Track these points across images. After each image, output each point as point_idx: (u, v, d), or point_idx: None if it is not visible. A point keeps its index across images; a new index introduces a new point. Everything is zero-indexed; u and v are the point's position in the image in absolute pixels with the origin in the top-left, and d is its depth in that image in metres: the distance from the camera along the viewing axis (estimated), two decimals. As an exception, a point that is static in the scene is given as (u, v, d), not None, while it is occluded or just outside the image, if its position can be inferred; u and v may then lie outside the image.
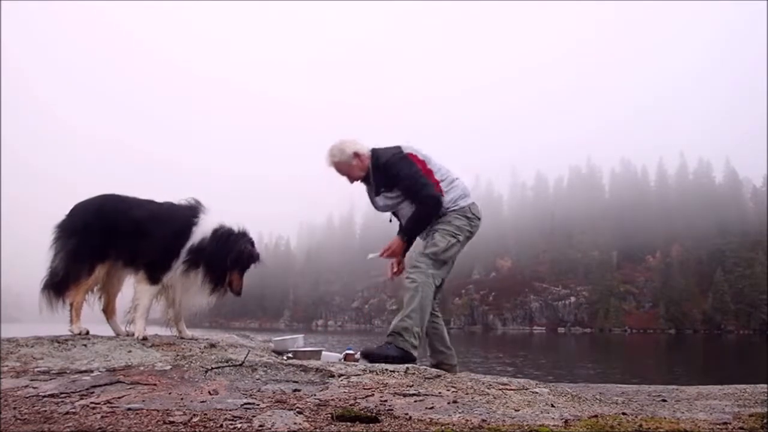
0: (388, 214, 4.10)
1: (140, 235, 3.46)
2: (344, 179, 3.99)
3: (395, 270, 4.01)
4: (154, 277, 3.45)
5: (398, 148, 3.91)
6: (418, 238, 3.96)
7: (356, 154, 3.87)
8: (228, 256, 3.34)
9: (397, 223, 4.09)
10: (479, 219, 3.93)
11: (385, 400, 2.46)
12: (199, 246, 3.37)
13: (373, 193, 3.96)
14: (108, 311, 3.71)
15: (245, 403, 2.31)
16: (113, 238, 3.47)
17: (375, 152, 3.92)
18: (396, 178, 3.78)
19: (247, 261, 3.42)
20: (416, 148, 3.96)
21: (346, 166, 3.91)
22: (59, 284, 3.44)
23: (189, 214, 3.48)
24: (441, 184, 3.82)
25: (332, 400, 2.44)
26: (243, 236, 3.42)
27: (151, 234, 3.45)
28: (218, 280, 3.41)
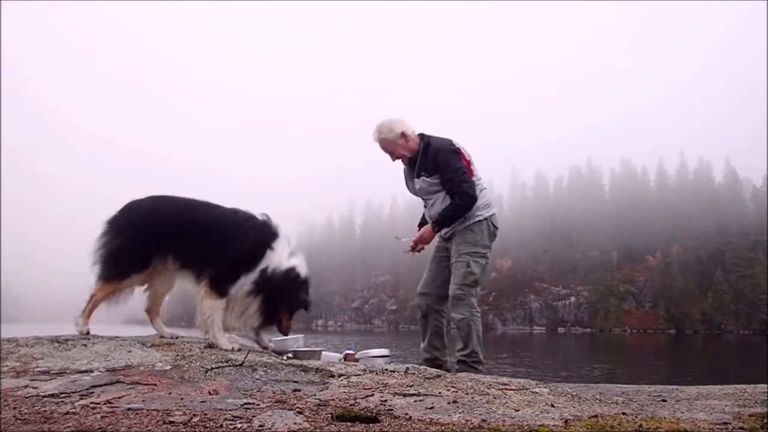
0: (416, 205, 4.35)
1: (207, 238, 3.38)
2: (387, 156, 4.17)
3: (416, 248, 4.18)
4: (222, 291, 3.37)
5: (451, 141, 4.09)
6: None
7: (403, 134, 4.07)
8: (288, 299, 3.44)
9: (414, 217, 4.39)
10: (497, 228, 4.18)
11: (385, 400, 2.46)
12: (270, 275, 3.35)
13: (413, 175, 4.14)
14: (152, 312, 3.68)
15: (245, 403, 2.31)
16: (169, 240, 3.39)
17: (427, 137, 4.12)
18: (443, 166, 3.95)
19: (301, 307, 3.56)
20: (464, 147, 4.13)
21: (392, 144, 4.08)
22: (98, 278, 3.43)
23: (265, 231, 3.45)
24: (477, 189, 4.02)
25: (332, 400, 2.44)
26: (305, 283, 3.49)
27: (222, 241, 3.38)
28: (271, 318, 3.47)
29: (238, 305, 3.46)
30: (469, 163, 4.04)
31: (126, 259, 3.40)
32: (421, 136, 4.12)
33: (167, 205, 3.50)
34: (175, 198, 3.55)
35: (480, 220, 4.03)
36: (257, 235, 3.42)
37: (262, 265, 3.35)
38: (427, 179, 4.03)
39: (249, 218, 3.48)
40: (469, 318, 3.96)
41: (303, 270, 3.45)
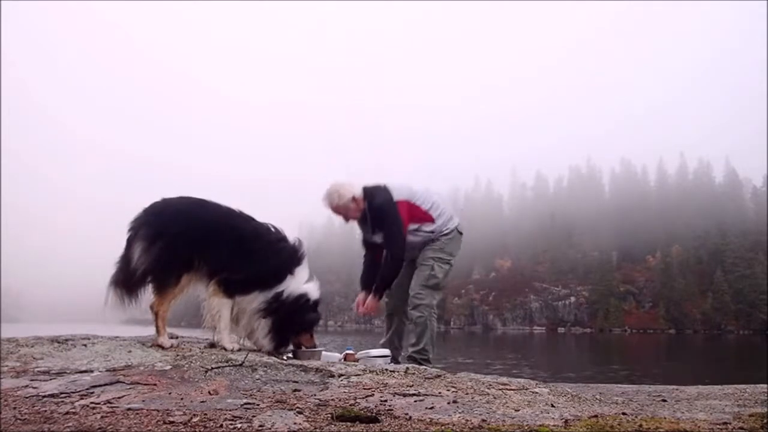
0: None
1: (239, 250, 3.38)
2: (341, 218, 4.44)
3: (362, 310, 4.44)
4: (230, 291, 3.40)
5: (388, 191, 4.28)
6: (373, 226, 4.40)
7: (354, 199, 4.28)
8: (300, 323, 3.56)
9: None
10: (462, 234, 4.49)
11: (385, 400, 2.46)
12: (284, 299, 3.44)
13: (368, 229, 4.40)
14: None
15: (245, 403, 2.31)
16: (204, 246, 3.34)
17: (368, 192, 4.32)
18: (381, 225, 4.25)
19: (313, 326, 3.71)
20: (401, 186, 4.35)
21: (344, 209, 4.34)
22: (136, 285, 3.29)
23: (292, 256, 3.52)
24: (430, 212, 4.31)
25: (332, 400, 2.44)
26: (315, 304, 3.61)
27: (248, 253, 3.40)
28: (285, 342, 3.55)
29: (246, 319, 3.49)
30: (407, 206, 4.25)
31: (175, 262, 3.29)
32: (364, 191, 4.31)
33: (202, 208, 3.47)
34: (207, 201, 3.51)
35: (447, 232, 4.35)
36: (284, 258, 3.49)
37: (280, 288, 3.43)
38: (380, 234, 4.30)
39: (281, 239, 3.54)
40: (426, 317, 4.23)
41: (314, 295, 3.58)
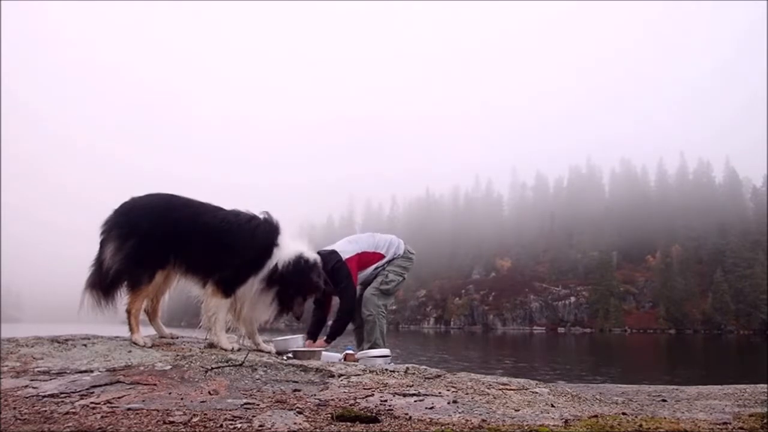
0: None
1: (212, 243, 3.37)
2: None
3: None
4: (228, 291, 3.40)
5: (337, 254, 4.69)
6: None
7: None
8: (299, 286, 3.49)
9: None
10: (414, 253, 5.15)
11: (385, 400, 2.46)
12: (282, 270, 3.42)
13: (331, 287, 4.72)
14: (151, 312, 3.63)
15: (245, 403, 2.31)
16: (176, 242, 3.33)
17: (323, 258, 4.38)
18: (336, 283, 4.49)
19: (312, 293, 3.62)
20: (348, 246, 4.80)
21: None
22: (111, 286, 3.29)
23: (269, 230, 3.48)
24: (378, 251, 4.93)
25: (332, 400, 2.45)
26: (315, 267, 3.56)
27: (230, 246, 3.38)
28: (287, 305, 3.51)
29: (248, 307, 3.48)
30: (356, 260, 4.74)
31: (147, 259, 3.29)
32: (320, 256, 4.47)
33: (171, 204, 3.46)
34: (175, 196, 3.50)
35: (399, 255, 4.98)
36: (262, 235, 3.46)
37: (272, 262, 3.41)
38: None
39: (251, 219, 3.50)
40: (375, 315, 4.73)
41: (311, 255, 3.56)
